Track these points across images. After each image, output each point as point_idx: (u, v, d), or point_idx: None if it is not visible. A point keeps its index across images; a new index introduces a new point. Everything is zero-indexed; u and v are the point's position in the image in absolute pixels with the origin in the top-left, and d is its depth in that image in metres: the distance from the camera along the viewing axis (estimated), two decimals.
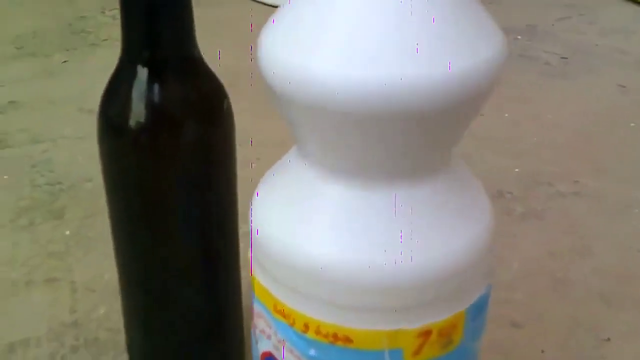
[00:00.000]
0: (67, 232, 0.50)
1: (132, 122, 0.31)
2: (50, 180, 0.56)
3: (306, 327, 0.25)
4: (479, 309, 0.26)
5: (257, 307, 0.27)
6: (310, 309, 0.24)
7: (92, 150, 0.34)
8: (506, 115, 0.69)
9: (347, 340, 0.24)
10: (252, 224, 0.26)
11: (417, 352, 0.24)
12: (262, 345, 0.27)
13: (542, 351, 0.41)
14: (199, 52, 0.32)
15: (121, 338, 0.41)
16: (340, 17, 0.22)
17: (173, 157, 0.32)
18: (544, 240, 0.51)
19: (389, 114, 0.21)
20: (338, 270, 0.23)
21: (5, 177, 0.57)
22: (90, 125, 0.33)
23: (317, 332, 0.24)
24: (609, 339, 0.42)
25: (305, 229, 0.24)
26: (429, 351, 0.25)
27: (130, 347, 0.38)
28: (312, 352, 0.25)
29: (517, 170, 0.60)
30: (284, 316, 0.25)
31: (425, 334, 0.24)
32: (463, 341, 0.25)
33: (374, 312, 0.24)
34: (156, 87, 0.31)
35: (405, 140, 0.23)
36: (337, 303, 0.24)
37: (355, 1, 0.22)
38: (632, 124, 0.68)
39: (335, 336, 0.24)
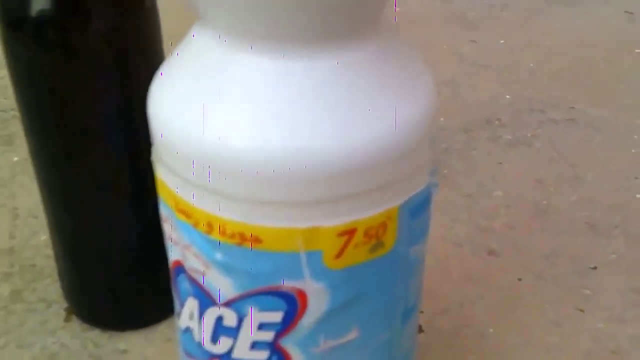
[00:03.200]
0: (15, 159, 0.47)
1: (34, 13, 0.27)
2: (3, 107, 0.53)
3: (209, 226, 0.21)
4: (417, 208, 0.22)
5: (162, 209, 0.23)
6: (213, 205, 0.20)
7: None
8: (501, 41, 0.64)
9: (256, 240, 0.20)
10: (150, 110, 0.22)
11: (339, 254, 0.21)
12: (172, 254, 0.24)
13: (519, 279, 0.37)
14: None
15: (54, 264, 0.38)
16: None
17: (84, 51, 0.28)
18: (531, 168, 0.47)
19: None
20: (242, 157, 0.19)
21: None
22: None
23: (222, 233, 0.21)
24: (595, 268, 0.38)
25: (203, 109, 0.20)
26: (355, 254, 0.21)
27: (61, 275, 0.35)
28: (218, 255, 0.21)
29: (508, 97, 0.55)
30: (187, 215, 0.21)
31: (348, 232, 0.20)
32: (397, 245, 0.21)
33: (285, 206, 0.20)
34: None
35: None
36: (243, 197, 0.20)
37: None
38: (638, 51, 0.63)
39: (242, 236, 0.20)
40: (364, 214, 0.20)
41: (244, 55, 0.20)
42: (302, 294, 0.21)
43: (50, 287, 0.37)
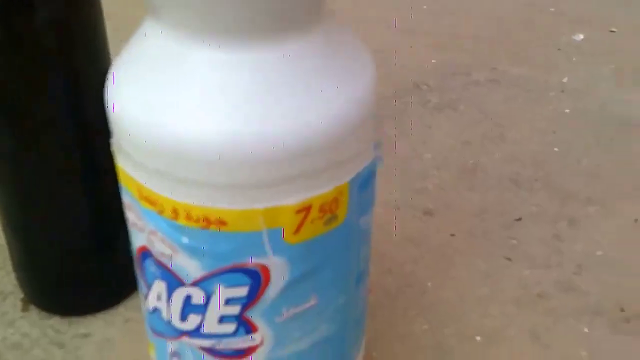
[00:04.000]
0: None
1: None
2: None
3: (175, 212, 0.22)
4: (364, 182, 0.24)
5: (125, 198, 0.24)
6: (177, 192, 0.22)
7: None
8: (424, 7, 0.66)
9: (221, 223, 0.22)
10: (107, 102, 0.23)
11: (297, 229, 0.22)
12: (137, 240, 0.25)
13: (452, 235, 0.40)
14: None
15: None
16: None
17: (28, 41, 0.28)
18: (457, 130, 0.50)
19: None
20: (201, 145, 0.21)
21: None
22: None
23: (188, 218, 0.22)
24: (520, 219, 0.41)
25: (163, 100, 0.21)
26: (312, 228, 0.23)
27: (15, 265, 0.36)
28: (184, 240, 0.23)
29: (433, 61, 0.58)
30: (151, 203, 0.23)
31: (305, 209, 0.22)
32: (348, 216, 0.23)
33: (246, 189, 0.22)
34: None
35: None
36: (205, 182, 0.21)
37: None
38: (552, 9, 0.66)
39: (207, 220, 0.22)
40: (318, 191, 0.22)
41: (197, 49, 0.21)
42: (265, 269, 0.23)
43: (5, 279, 0.37)
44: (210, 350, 0.25)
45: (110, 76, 0.24)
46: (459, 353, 0.33)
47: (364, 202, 0.24)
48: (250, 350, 0.25)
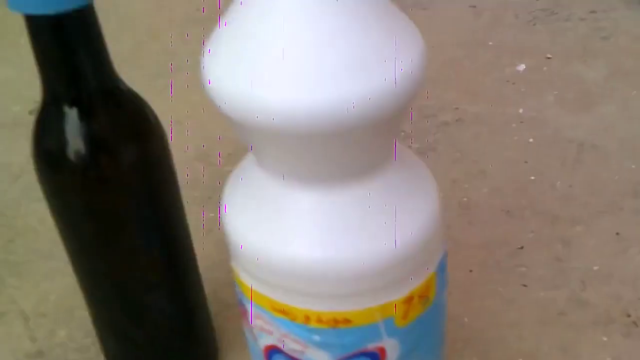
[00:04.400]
0: None
1: (71, 161, 0.32)
2: None
3: (307, 318, 0.28)
4: (442, 266, 0.30)
5: (254, 310, 0.30)
6: (309, 304, 0.28)
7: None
8: None
9: (346, 321, 0.28)
10: (231, 237, 0.29)
11: (404, 316, 0.28)
12: (264, 341, 0.30)
13: (470, 270, 0.47)
14: (119, 78, 0.33)
15: (91, 355, 0.42)
16: (278, 51, 0.24)
17: (115, 183, 0.33)
18: (443, 170, 0.57)
19: (327, 132, 0.24)
20: (326, 267, 0.27)
21: None
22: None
23: (319, 321, 0.28)
24: (522, 247, 0.48)
25: (285, 235, 0.27)
26: (414, 312, 0.29)
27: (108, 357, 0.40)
28: (315, 337, 0.28)
29: None
30: (285, 313, 0.28)
31: (409, 300, 0.28)
32: (436, 296, 0.30)
33: (366, 294, 0.27)
34: (85, 123, 0.32)
35: (342, 151, 0.26)
36: (333, 294, 0.27)
37: (290, 35, 0.24)
38: (491, 43, 0.74)
39: (335, 321, 0.28)
40: (417, 284, 0.28)
41: (293, 189, 0.27)
42: (382, 349, 0.29)
43: None
44: None
45: (225, 208, 0.29)
46: None
47: (443, 279, 0.30)
48: None
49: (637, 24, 0.75)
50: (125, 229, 0.35)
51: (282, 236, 0.27)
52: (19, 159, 0.61)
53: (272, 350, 0.30)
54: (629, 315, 0.42)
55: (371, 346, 0.29)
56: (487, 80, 0.68)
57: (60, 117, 0.32)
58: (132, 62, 0.74)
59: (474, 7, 0.81)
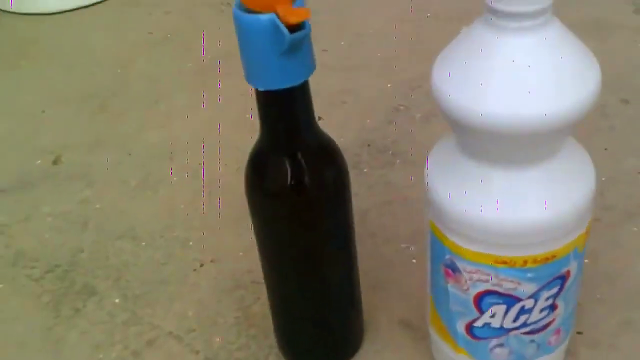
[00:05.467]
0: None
1: (285, 193, 0.40)
2: None
3: (525, 262, 0.38)
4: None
5: (471, 266, 0.39)
6: (528, 251, 0.38)
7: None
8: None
9: (553, 256, 0.38)
10: (455, 216, 0.38)
11: (583, 244, 0.39)
12: (477, 289, 0.40)
13: None
14: (317, 126, 0.41)
15: (254, 350, 0.49)
16: (498, 73, 0.34)
17: (319, 209, 0.42)
18: None
19: (520, 134, 0.34)
20: (549, 223, 0.37)
21: None
22: None
23: (534, 261, 0.38)
24: None
25: (511, 207, 0.37)
26: (583, 244, 0.40)
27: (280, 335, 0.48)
28: (529, 275, 0.38)
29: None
30: (506, 262, 0.38)
31: (586, 232, 0.39)
32: (589, 231, 0.41)
33: (568, 234, 0.38)
34: (296, 162, 0.40)
35: (533, 145, 0.36)
36: (548, 240, 0.37)
37: (511, 66, 0.34)
38: (428, 14, 0.85)
39: (546, 258, 0.38)
40: (587, 221, 0.39)
41: (488, 166, 0.37)
42: (569, 272, 0.39)
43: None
44: (529, 332, 0.41)
45: (448, 195, 0.38)
46: None
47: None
48: (551, 322, 0.41)
49: None
50: (325, 237, 0.43)
51: (509, 207, 0.37)
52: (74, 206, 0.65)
53: (484, 295, 0.40)
54: None
55: (563, 270, 0.39)
56: (442, 48, 0.79)
57: (282, 159, 0.40)
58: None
59: None
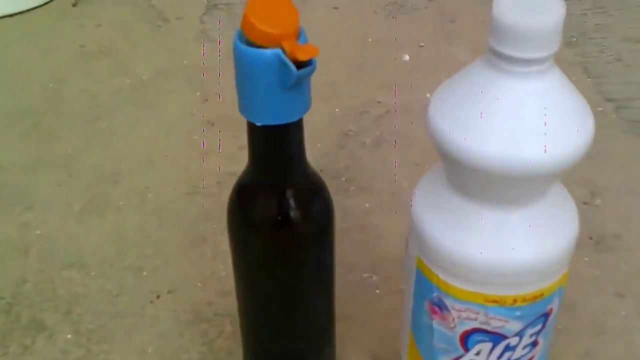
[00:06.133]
0: None
1: (276, 227, 0.39)
2: None
3: (514, 300, 0.38)
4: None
5: (459, 305, 0.39)
6: (518, 290, 0.38)
7: None
8: None
9: (541, 295, 0.39)
10: (443, 254, 0.38)
11: (565, 283, 0.40)
12: (464, 327, 0.40)
13: None
14: (307, 162, 0.40)
15: None
16: (500, 115, 0.34)
17: (307, 244, 0.41)
18: (402, 158, 0.67)
19: (519, 175, 0.35)
20: (536, 264, 0.38)
21: None
22: None
23: (524, 300, 0.38)
24: None
25: (497, 247, 0.37)
26: (567, 278, 0.41)
27: None
28: (517, 313, 0.39)
29: (339, 110, 0.74)
30: (495, 301, 0.38)
31: (564, 278, 0.40)
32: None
33: (555, 273, 0.39)
34: (288, 196, 0.39)
35: (527, 186, 0.37)
36: (537, 279, 0.38)
37: (513, 108, 0.34)
38: (370, 40, 0.86)
39: (534, 297, 0.39)
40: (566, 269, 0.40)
41: (480, 204, 0.37)
42: (552, 309, 0.40)
43: None
44: None
45: (432, 233, 0.38)
46: None
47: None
48: (532, 358, 0.42)
49: (474, 2, 0.91)
50: (310, 273, 0.42)
51: (500, 246, 0.37)
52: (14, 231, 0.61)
53: (471, 333, 0.40)
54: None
55: (547, 308, 0.40)
56: (387, 73, 0.80)
57: (274, 193, 0.39)
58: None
59: (337, 8, 0.92)
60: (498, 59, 0.35)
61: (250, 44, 0.34)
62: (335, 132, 0.72)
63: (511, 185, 0.36)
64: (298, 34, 0.34)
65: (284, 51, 0.33)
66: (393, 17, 0.90)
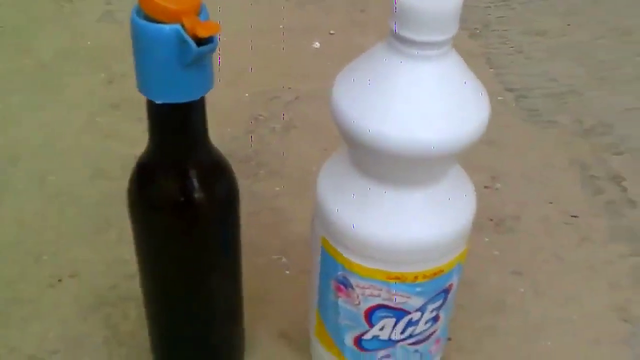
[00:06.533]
0: None
1: (176, 208, 0.39)
2: None
3: (415, 277, 0.39)
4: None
5: (363, 282, 0.40)
6: (417, 267, 0.39)
7: None
8: None
9: (441, 271, 0.40)
10: (345, 230, 0.39)
11: (463, 259, 0.42)
12: (368, 303, 0.41)
13: None
14: (210, 142, 0.40)
15: None
16: (399, 97, 0.35)
17: (210, 224, 0.40)
18: (310, 143, 0.68)
19: (417, 157, 0.36)
20: (435, 240, 0.39)
21: None
22: None
23: (424, 277, 0.39)
24: None
25: (399, 225, 0.38)
26: (465, 255, 0.42)
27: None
28: (418, 289, 0.40)
29: (248, 95, 0.74)
30: (397, 278, 0.39)
31: (465, 249, 0.41)
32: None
33: (454, 250, 0.40)
34: (189, 177, 0.38)
35: (426, 167, 0.38)
36: (436, 257, 0.39)
37: (412, 91, 0.35)
38: (281, 26, 0.86)
39: (434, 273, 0.40)
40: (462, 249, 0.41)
41: (382, 185, 0.38)
42: (452, 285, 0.42)
43: None
44: (414, 343, 0.43)
45: (334, 207, 0.39)
46: None
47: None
48: (433, 333, 0.43)
49: None
50: (214, 254, 0.42)
51: (400, 225, 0.38)
52: None
53: (374, 309, 0.41)
54: None
55: (447, 284, 0.41)
56: (298, 60, 0.80)
57: (174, 173, 0.38)
58: None
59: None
60: (398, 42, 0.35)
61: (148, 19, 0.33)
62: (245, 117, 0.72)
63: (411, 166, 0.37)
64: (199, 10, 0.34)
65: (183, 27, 0.33)
66: (303, 5, 0.90)
